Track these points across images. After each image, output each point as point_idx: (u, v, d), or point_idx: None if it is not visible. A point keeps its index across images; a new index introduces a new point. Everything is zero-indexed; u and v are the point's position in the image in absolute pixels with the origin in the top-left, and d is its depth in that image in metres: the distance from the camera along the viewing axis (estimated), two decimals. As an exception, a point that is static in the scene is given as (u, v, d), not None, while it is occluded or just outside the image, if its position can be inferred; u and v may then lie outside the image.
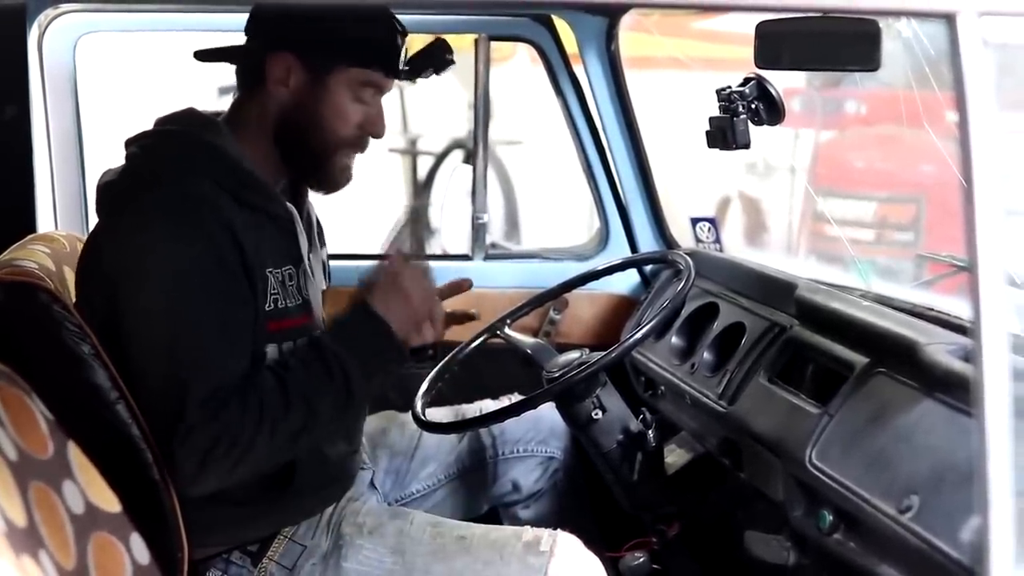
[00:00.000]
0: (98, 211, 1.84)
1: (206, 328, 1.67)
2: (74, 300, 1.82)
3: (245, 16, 1.87)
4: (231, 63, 1.88)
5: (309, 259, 1.90)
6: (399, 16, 1.84)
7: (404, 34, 1.84)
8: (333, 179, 1.87)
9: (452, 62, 1.91)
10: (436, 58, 1.89)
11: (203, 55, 1.89)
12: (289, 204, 1.87)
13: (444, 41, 1.90)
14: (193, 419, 1.61)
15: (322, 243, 2.06)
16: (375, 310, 1.74)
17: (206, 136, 1.80)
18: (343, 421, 1.82)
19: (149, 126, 1.87)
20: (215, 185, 1.73)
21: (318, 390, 1.69)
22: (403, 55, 1.84)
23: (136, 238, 1.71)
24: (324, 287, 2.01)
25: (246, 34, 1.85)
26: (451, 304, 1.98)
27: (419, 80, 1.90)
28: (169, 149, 1.80)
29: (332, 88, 1.80)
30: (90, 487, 1.44)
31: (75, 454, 1.44)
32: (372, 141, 1.89)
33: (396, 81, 1.87)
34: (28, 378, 1.45)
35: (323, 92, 1.80)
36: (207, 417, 1.61)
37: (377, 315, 1.73)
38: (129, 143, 1.83)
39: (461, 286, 2.03)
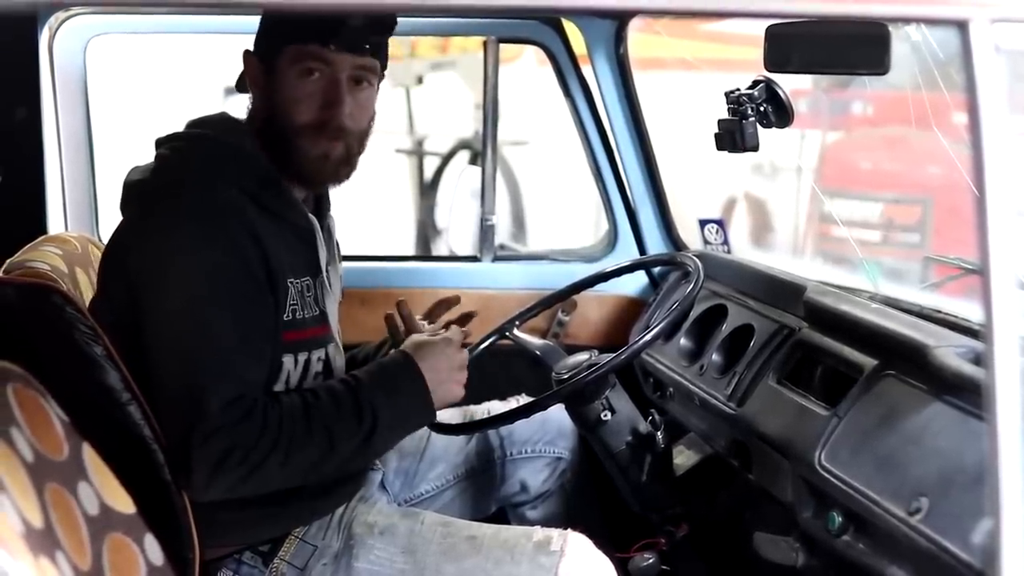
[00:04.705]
0: (124, 208, 1.84)
1: (229, 335, 1.67)
2: (87, 301, 1.83)
3: (253, 19, 1.88)
4: None
5: (327, 271, 1.90)
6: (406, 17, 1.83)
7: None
8: (310, 168, 1.82)
9: (392, 27, 1.85)
10: (374, 25, 1.82)
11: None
12: (311, 215, 1.87)
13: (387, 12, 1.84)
14: (215, 423, 1.61)
15: (338, 258, 2.06)
16: (420, 368, 1.78)
17: (236, 142, 1.80)
18: (355, 462, 1.82)
19: (157, 127, 1.87)
20: (242, 192, 1.74)
21: (343, 429, 1.71)
22: (350, 24, 1.77)
23: (163, 241, 1.71)
24: (339, 300, 2.01)
25: None
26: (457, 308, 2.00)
27: (366, 48, 1.81)
28: (200, 153, 1.81)
29: (280, 72, 1.80)
30: (105, 488, 1.45)
31: (90, 455, 1.45)
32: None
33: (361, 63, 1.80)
34: (43, 379, 1.46)
35: (274, 79, 1.80)
36: (229, 422, 1.62)
37: (420, 374, 1.78)
38: (160, 143, 1.84)
39: (450, 303, 2.06)
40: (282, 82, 1.80)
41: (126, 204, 1.83)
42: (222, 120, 1.87)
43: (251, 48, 1.86)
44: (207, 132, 1.84)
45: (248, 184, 1.76)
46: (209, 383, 1.63)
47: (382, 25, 1.85)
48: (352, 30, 1.79)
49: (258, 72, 1.83)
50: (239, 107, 1.91)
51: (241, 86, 1.90)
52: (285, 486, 1.73)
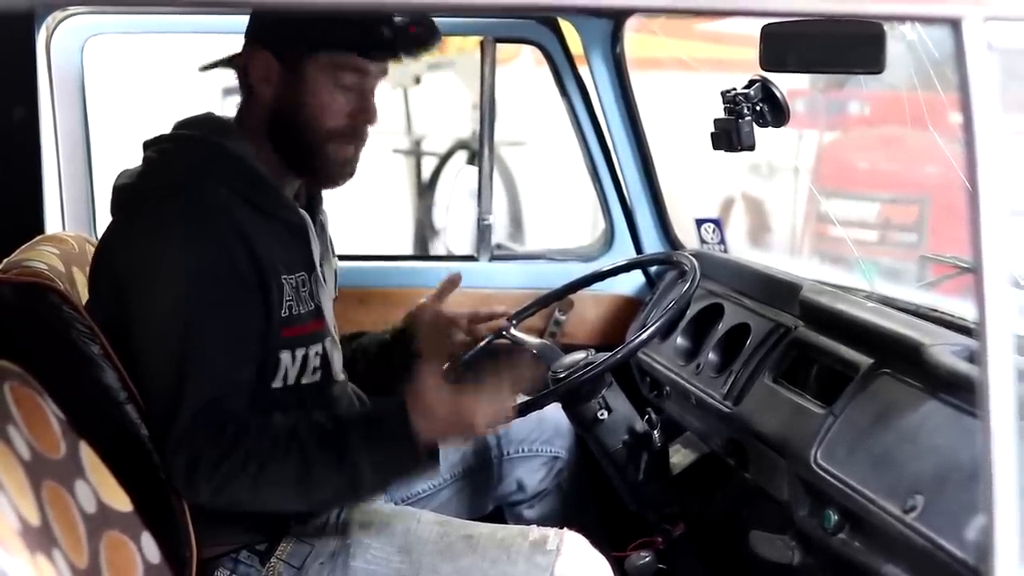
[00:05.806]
0: (112, 212, 1.84)
1: (213, 337, 1.67)
2: (84, 301, 1.83)
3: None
4: (229, 68, 1.88)
5: (322, 266, 1.90)
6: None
7: (388, 15, 1.77)
8: (331, 172, 1.84)
9: (437, 39, 1.84)
10: (418, 36, 1.81)
11: (205, 65, 1.89)
12: (303, 211, 1.87)
13: (427, 18, 1.84)
14: (184, 428, 1.62)
15: (332, 253, 2.06)
16: (413, 425, 1.70)
17: (224, 142, 1.80)
18: (341, 502, 1.79)
19: (155, 127, 1.87)
20: (231, 192, 1.74)
21: (320, 471, 1.67)
22: (390, 36, 1.77)
23: (150, 244, 1.71)
24: (335, 296, 2.02)
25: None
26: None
27: (407, 59, 1.83)
28: (187, 155, 1.80)
29: (309, 78, 1.77)
30: (102, 486, 1.45)
31: (87, 454, 1.46)
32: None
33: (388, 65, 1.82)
34: (40, 378, 1.46)
35: (302, 84, 1.78)
36: (197, 429, 1.62)
37: (412, 430, 1.70)
38: (147, 145, 1.84)
39: (453, 283, 2.05)
40: (310, 87, 1.77)
41: (115, 208, 1.84)
42: (208, 120, 1.86)
43: (258, 41, 1.79)
44: (194, 133, 1.83)
45: (238, 184, 1.76)
46: (189, 387, 1.63)
47: (423, 36, 1.82)
48: (397, 41, 1.78)
49: (273, 72, 1.79)
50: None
51: (214, 65, 1.87)
52: (259, 510, 1.72)
